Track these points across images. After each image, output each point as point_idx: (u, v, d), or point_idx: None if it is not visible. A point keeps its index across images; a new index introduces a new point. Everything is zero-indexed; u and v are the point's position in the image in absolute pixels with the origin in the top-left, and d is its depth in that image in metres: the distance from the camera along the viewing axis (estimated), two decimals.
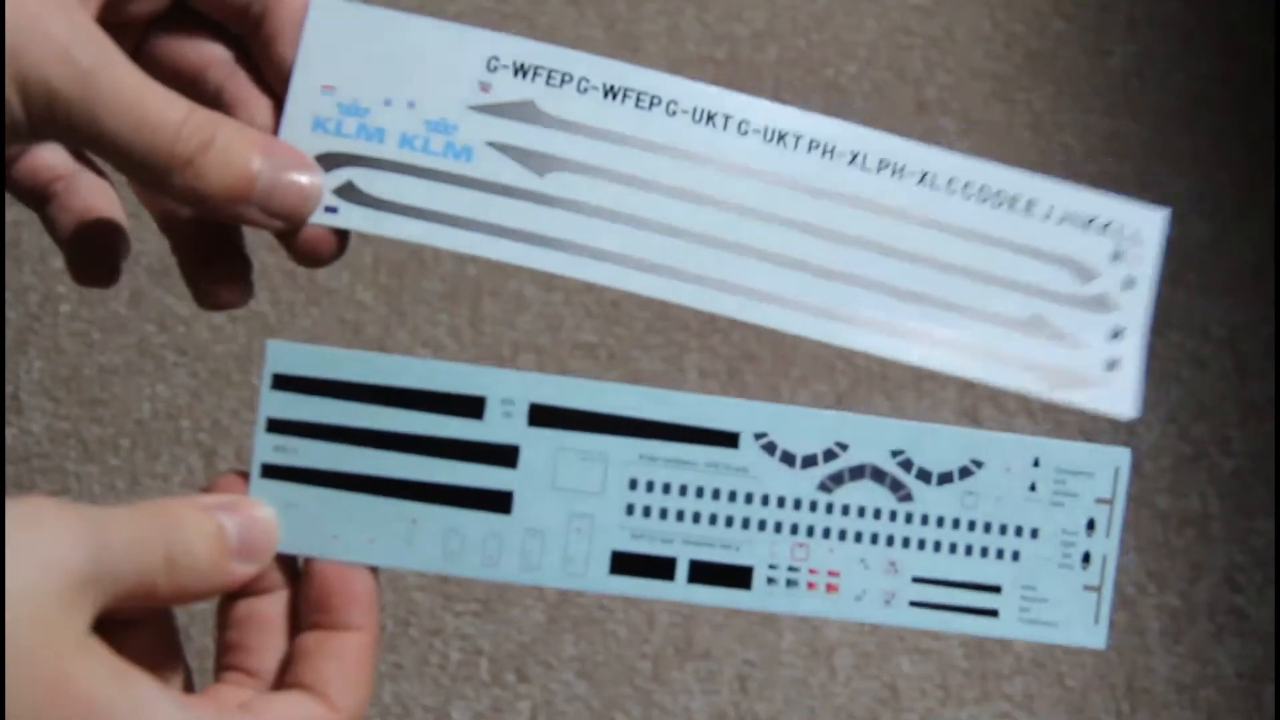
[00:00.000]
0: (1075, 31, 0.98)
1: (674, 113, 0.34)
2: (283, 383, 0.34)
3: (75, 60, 0.29)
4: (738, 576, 0.34)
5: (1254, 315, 0.89)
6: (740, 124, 0.34)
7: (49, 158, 0.37)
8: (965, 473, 0.34)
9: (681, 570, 0.33)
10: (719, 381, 0.85)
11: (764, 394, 0.85)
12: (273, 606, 0.33)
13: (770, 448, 0.34)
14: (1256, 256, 0.91)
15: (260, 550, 0.32)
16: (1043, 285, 0.35)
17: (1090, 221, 0.35)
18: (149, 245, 0.88)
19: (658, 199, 0.34)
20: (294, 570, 0.33)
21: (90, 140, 0.30)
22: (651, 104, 0.34)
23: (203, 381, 0.84)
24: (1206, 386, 0.87)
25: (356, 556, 0.33)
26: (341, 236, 0.34)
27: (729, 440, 0.34)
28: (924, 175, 0.34)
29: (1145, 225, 0.36)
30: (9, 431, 0.83)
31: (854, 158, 0.34)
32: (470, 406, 0.33)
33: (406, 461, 0.33)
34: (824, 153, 0.34)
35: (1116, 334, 0.36)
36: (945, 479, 0.34)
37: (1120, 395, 0.36)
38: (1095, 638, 0.35)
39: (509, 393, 0.33)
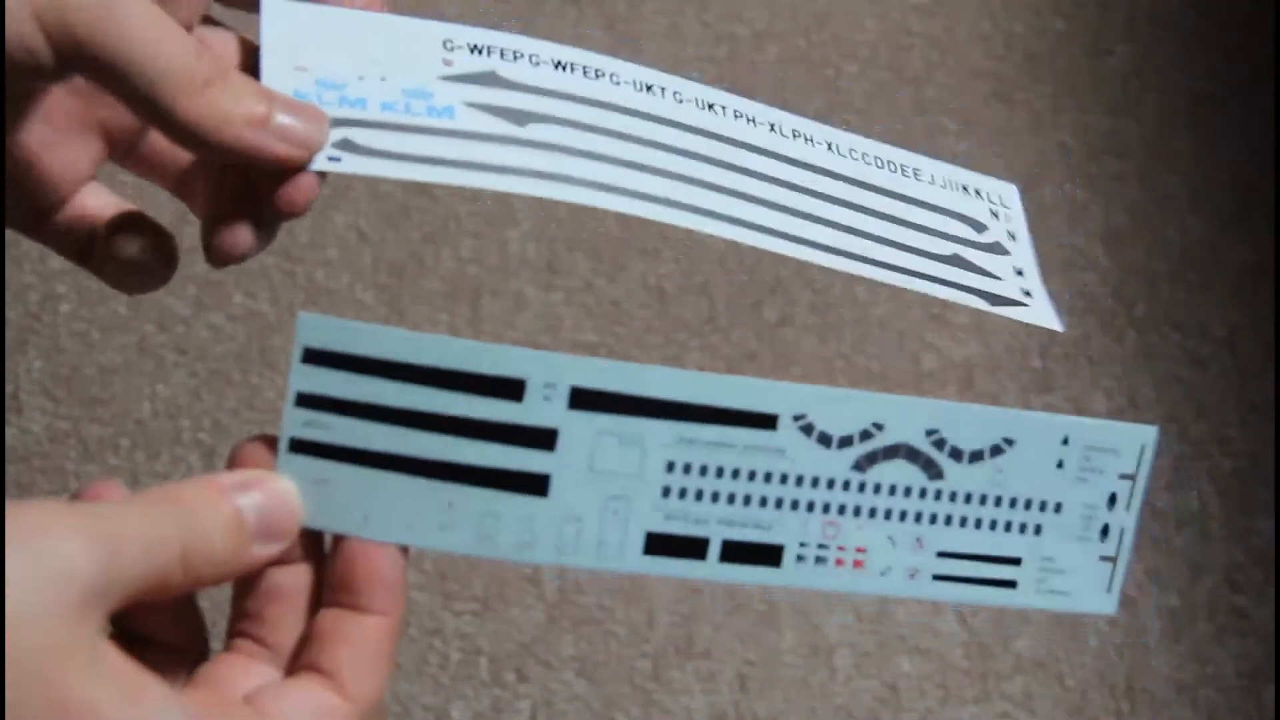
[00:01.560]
0: (1075, 31, 0.98)
1: (618, 83, 0.37)
2: (313, 357, 0.32)
3: None
4: (768, 555, 0.34)
5: (1254, 315, 0.89)
6: (675, 94, 0.38)
7: (92, 203, 0.37)
8: (996, 451, 0.35)
9: (714, 550, 0.34)
10: None
11: None
12: (294, 579, 0.32)
13: (808, 429, 0.34)
14: (1256, 256, 0.91)
15: (281, 529, 0.31)
16: (950, 232, 0.39)
17: (965, 188, 0.41)
18: None
19: (618, 142, 0.36)
20: (319, 546, 0.32)
21: (108, 62, 0.30)
22: (597, 75, 0.37)
23: (203, 381, 0.84)
24: (1206, 386, 0.87)
25: (390, 536, 0.32)
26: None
27: (768, 422, 0.34)
28: (830, 145, 0.39)
29: (1005, 193, 0.41)
30: (9, 431, 0.83)
31: (772, 126, 0.39)
32: (511, 389, 0.33)
33: (443, 442, 0.32)
34: (748, 120, 0.38)
35: (1019, 272, 0.40)
36: (977, 457, 0.35)
37: (1043, 314, 0.39)
38: (1106, 604, 0.36)
39: (551, 376, 0.33)
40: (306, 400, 0.32)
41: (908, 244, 0.38)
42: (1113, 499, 0.36)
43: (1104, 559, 0.36)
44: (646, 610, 0.79)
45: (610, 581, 0.79)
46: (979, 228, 0.40)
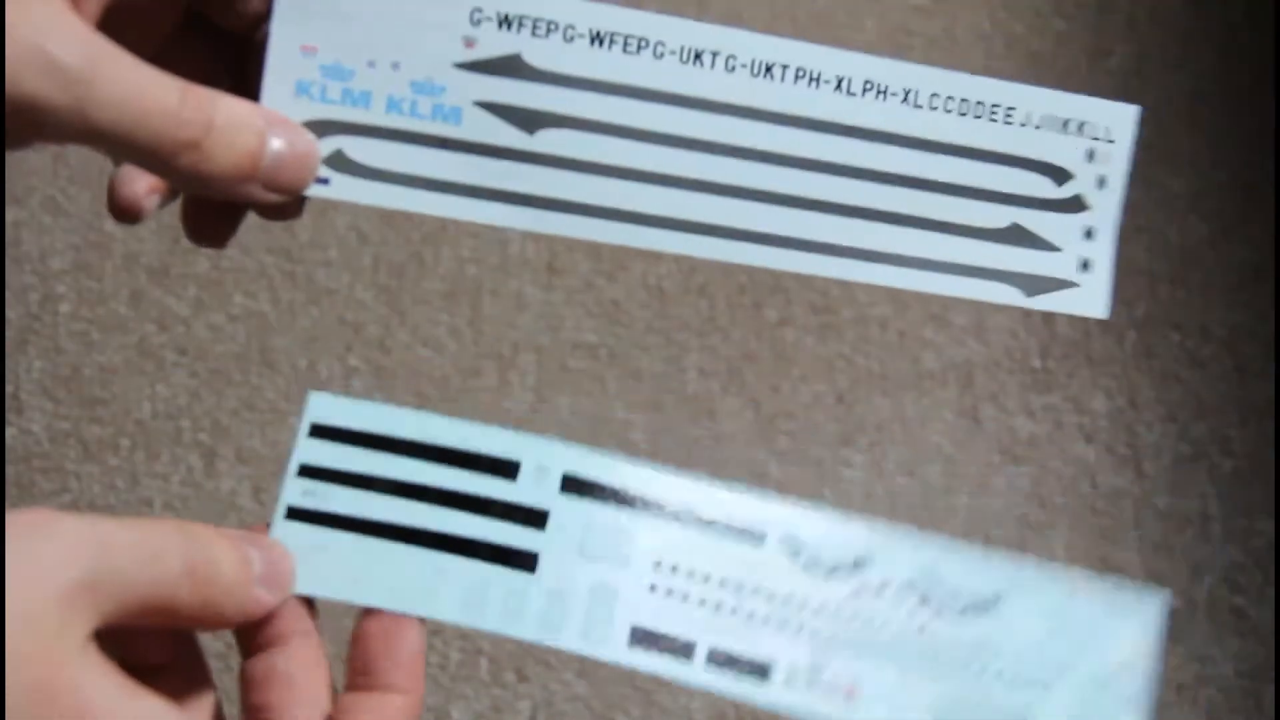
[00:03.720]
0: (1075, 31, 0.98)
1: (661, 55, 0.34)
2: (319, 432, 0.34)
3: (61, 68, 0.28)
4: (756, 669, 0.33)
5: (1254, 315, 0.89)
6: (728, 60, 0.35)
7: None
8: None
9: (700, 654, 0.33)
10: (719, 381, 0.85)
11: (764, 393, 0.85)
12: (288, 661, 0.32)
13: (795, 551, 0.34)
14: (1256, 256, 0.91)
15: (280, 580, 0.32)
16: (1020, 192, 0.36)
17: (1066, 123, 0.37)
18: (149, 245, 0.88)
19: (641, 147, 0.34)
20: (311, 616, 0.33)
21: (90, 141, 0.30)
22: (639, 47, 0.34)
23: (203, 381, 0.84)
24: (1206, 386, 0.87)
25: (378, 601, 0.32)
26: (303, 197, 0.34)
27: (754, 539, 0.34)
28: (907, 94, 0.35)
29: (1117, 122, 0.38)
30: (9, 431, 0.83)
31: (839, 83, 0.35)
32: (505, 469, 0.34)
33: (437, 514, 0.33)
34: (810, 81, 0.35)
35: (1089, 234, 0.37)
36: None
37: (1093, 296, 0.37)
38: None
39: (544, 460, 0.34)
40: (307, 471, 0.34)
41: (957, 221, 0.36)
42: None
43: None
44: None
45: None
46: (1061, 178, 0.37)
